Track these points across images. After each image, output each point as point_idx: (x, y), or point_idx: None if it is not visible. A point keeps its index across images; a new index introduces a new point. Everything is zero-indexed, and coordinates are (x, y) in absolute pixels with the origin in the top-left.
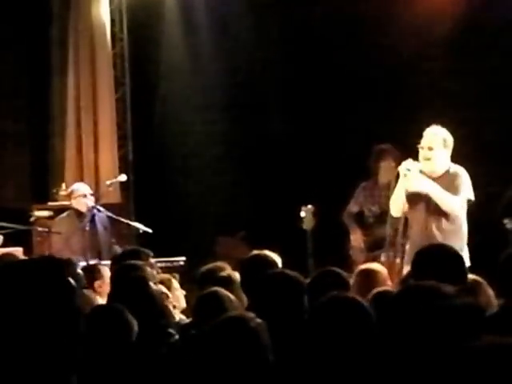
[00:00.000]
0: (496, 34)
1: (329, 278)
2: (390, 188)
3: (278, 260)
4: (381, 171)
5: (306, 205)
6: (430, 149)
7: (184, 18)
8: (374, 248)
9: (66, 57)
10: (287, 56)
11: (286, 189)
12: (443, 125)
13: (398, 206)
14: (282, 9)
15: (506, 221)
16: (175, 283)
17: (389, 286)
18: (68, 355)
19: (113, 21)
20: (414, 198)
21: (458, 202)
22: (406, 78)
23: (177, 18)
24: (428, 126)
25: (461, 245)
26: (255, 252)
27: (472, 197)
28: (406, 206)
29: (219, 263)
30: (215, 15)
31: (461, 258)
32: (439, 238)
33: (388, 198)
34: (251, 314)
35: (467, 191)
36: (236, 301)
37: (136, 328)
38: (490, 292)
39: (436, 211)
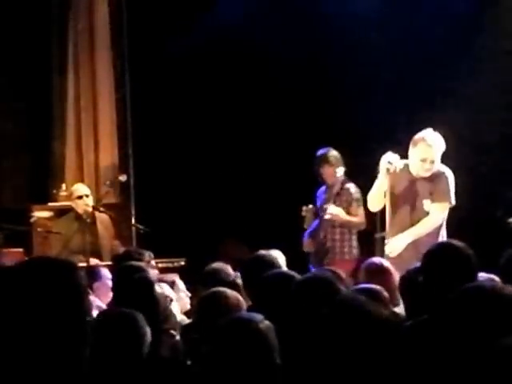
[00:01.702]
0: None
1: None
2: (332, 189)
3: (283, 259)
4: (323, 176)
5: (306, 205)
6: (433, 162)
7: (184, 18)
8: (324, 250)
9: (66, 57)
10: (286, 56)
11: (286, 188)
12: (444, 125)
13: (377, 200)
14: (282, 10)
15: (510, 220)
16: (180, 284)
17: (396, 281)
18: (75, 356)
19: (113, 21)
20: (399, 196)
21: (436, 219)
22: (405, 77)
23: (177, 19)
24: (428, 127)
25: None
26: (259, 252)
27: (454, 201)
28: (385, 201)
29: (221, 264)
30: (215, 15)
31: (470, 257)
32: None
33: (329, 199)
34: (260, 316)
35: (450, 197)
36: (239, 302)
37: (149, 338)
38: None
39: (420, 211)
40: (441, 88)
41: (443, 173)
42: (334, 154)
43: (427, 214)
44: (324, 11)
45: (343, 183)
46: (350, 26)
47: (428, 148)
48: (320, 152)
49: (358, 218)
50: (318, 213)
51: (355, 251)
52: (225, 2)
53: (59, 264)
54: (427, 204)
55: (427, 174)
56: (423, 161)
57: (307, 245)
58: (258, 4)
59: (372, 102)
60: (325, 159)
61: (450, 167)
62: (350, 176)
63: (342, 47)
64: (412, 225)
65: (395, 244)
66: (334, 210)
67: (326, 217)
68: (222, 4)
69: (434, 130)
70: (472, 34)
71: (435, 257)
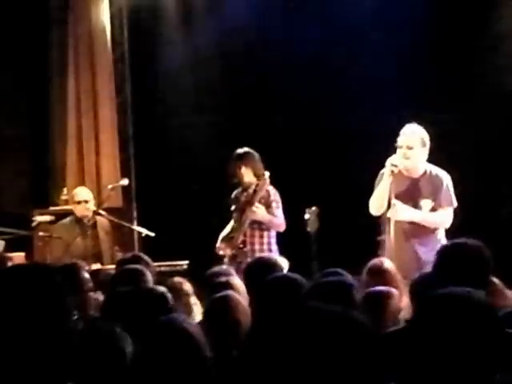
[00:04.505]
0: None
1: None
2: (249, 188)
3: (285, 263)
4: (239, 176)
5: (310, 207)
6: (410, 148)
7: (184, 22)
8: (242, 254)
9: (66, 61)
10: (288, 56)
11: (290, 190)
12: (448, 125)
13: (381, 202)
14: (284, 9)
15: None
16: (187, 289)
17: (399, 282)
18: (59, 359)
19: (113, 25)
20: (399, 197)
21: (445, 219)
22: (408, 77)
23: (177, 22)
24: (432, 127)
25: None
26: (261, 255)
27: (456, 203)
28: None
29: (223, 267)
30: (215, 18)
31: (483, 259)
32: (415, 236)
33: (248, 196)
34: (182, 315)
35: (452, 201)
36: (245, 305)
37: (130, 349)
38: (509, 294)
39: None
40: (445, 88)
41: (440, 177)
42: (251, 153)
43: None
44: (326, 11)
45: (257, 185)
46: (353, 25)
47: (401, 137)
48: (237, 151)
49: (279, 218)
50: (238, 216)
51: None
52: (227, 6)
53: (39, 267)
54: (426, 204)
55: (408, 163)
56: (400, 148)
57: (222, 248)
58: (259, 4)
59: (375, 103)
60: (242, 159)
61: (455, 167)
62: (354, 178)
63: (346, 47)
64: (411, 224)
65: (400, 210)
66: (258, 209)
67: (250, 215)
68: (223, 7)
69: (439, 129)
70: (475, 33)
71: (448, 255)
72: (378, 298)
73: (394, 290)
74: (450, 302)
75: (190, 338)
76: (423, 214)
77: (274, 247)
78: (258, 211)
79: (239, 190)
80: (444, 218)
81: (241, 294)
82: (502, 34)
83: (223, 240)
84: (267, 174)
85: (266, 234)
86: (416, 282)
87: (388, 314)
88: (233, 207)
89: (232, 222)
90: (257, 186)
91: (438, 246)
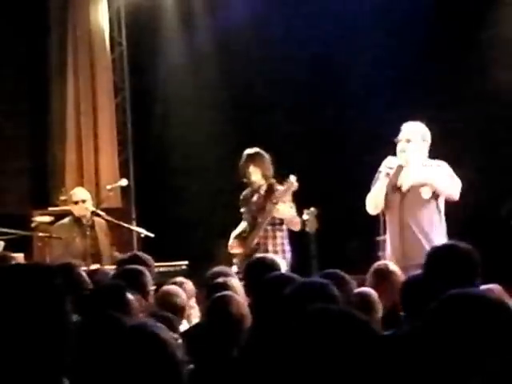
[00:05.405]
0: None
1: (332, 280)
2: (259, 189)
3: (283, 263)
4: (249, 176)
5: (308, 207)
6: (408, 141)
7: (183, 21)
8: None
9: (66, 62)
10: (288, 56)
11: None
12: (451, 124)
13: (377, 202)
14: (284, 10)
15: None
16: (188, 289)
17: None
18: (56, 359)
19: (111, 26)
20: (395, 185)
21: (455, 184)
22: (411, 76)
23: (175, 22)
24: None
25: (440, 239)
26: (259, 255)
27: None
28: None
29: (222, 267)
30: (214, 18)
31: (471, 262)
32: (416, 230)
33: (260, 198)
34: (151, 321)
35: (457, 178)
36: (244, 306)
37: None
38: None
39: (412, 204)
40: (446, 86)
41: (438, 163)
42: (261, 153)
43: (422, 200)
44: (326, 10)
45: (271, 184)
46: (353, 24)
47: (401, 131)
48: (247, 151)
49: (296, 217)
50: (253, 217)
51: (288, 255)
52: (226, 6)
53: (38, 268)
54: (425, 191)
55: (406, 156)
56: (400, 141)
57: (234, 246)
58: (259, 4)
59: (376, 102)
60: (251, 159)
61: (456, 166)
62: (353, 178)
63: (347, 46)
64: (404, 218)
65: (409, 175)
66: (281, 207)
67: (273, 213)
68: (223, 7)
69: (440, 127)
70: (474, 32)
71: (435, 260)
72: (360, 299)
73: (373, 291)
74: (467, 301)
75: (161, 344)
76: (432, 175)
77: (287, 247)
78: (282, 208)
79: (248, 191)
80: (452, 185)
81: (239, 294)
82: (502, 32)
83: (236, 238)
84: (294, 177)
85: (279, 234)
86: (406, 283)
87: (369, 314)
88: (243, 209)
89: (243, 223)
90: (270, 186)
91: (440, 238)
